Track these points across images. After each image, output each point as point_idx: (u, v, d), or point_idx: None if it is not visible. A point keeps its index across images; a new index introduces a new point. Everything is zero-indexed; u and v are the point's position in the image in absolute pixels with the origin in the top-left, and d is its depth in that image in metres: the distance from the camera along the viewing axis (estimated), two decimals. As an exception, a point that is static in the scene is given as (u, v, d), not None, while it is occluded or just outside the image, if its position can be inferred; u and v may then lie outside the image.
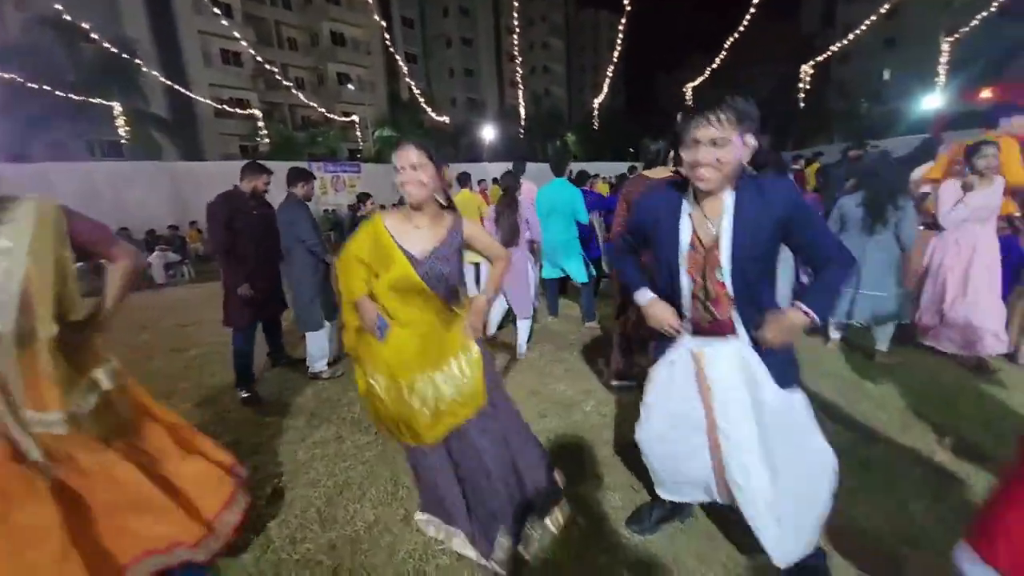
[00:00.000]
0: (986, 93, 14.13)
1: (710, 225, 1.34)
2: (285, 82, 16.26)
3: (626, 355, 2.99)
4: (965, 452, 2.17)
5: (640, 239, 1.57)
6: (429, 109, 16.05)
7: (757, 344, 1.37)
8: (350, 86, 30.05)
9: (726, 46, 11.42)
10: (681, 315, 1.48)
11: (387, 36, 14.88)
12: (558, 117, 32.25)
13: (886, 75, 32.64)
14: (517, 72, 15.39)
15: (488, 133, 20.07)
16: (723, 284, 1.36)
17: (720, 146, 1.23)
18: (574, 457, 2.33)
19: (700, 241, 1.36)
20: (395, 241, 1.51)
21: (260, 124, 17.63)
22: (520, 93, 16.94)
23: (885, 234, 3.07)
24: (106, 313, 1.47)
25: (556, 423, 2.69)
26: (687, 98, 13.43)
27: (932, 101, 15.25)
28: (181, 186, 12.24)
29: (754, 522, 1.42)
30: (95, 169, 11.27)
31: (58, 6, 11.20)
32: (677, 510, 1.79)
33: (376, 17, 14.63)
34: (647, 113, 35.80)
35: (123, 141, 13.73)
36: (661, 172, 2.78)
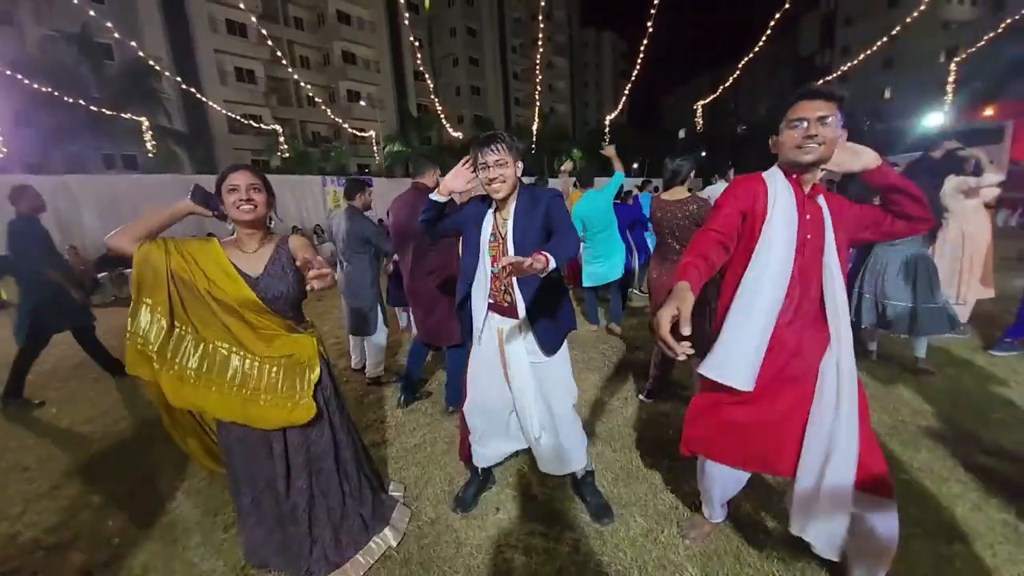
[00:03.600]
0: (988, 111, 14.49)
1: (506, 222, 1.80)
2: (317, 99, 16.54)
3: (662, 375, 3.01)
4: (1001, 455, 2.23)
5: (454, 228, 1.95)
6: (448, 125, 16.39)
7: (532, 320, 1.83)
8: (361, 103, 30.65)
9: (739, 66, 11.75)
10: (484, 295, 1.86)
11: (417, 56, 15.17)
12: (563, 134, 32.75)
13: (887, 94, 33.20)
14: (537, 90, 15.76)
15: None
16: None
17: (503, 166, 1.69)
18: (608, 465, 2.41)
19: (500, 233, 1.81)
20: (232, 264, 1.60)
21: (281, 139, 17.97)
22: (536, 110, 17.30)
23: (916, 246, 3.14)
24: None
25: (600, 427, 2.76)
26: (697, 116, 13.89)
27: (934, 119, 15.54)
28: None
29: (541, 452, 1.97)
30: (117, 182, 11.48)
31: (96, 17, 11.51)
32: (486, 479, 2.22)
33: (386, 38, 14.98)
34: (651, 130, 36.32)
35: (150, 155, 14.03)
36: (678, 193, 2.86)
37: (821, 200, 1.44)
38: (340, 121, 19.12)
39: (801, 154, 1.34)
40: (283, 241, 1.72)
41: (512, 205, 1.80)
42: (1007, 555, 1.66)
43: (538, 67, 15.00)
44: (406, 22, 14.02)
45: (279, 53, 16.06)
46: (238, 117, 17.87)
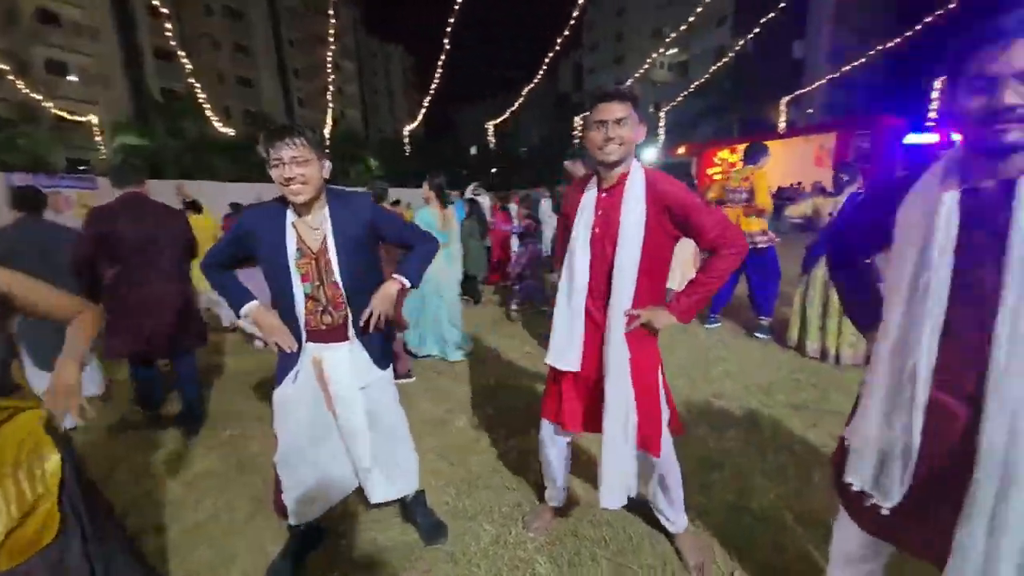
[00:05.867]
0: (681, 150, 20.31)
1: (315, 233, 1.53)
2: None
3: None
4: (727, 396, 3.05)
5: (241, 253, 1.62)
6: (215, 118, 13.57)
7: (362, 337, 1.62)
8: (72, 78, 23.07)
9: (522, 93, 13.36)
10: (296, 323, 1.56)
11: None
12: (357, 139, 31.28)
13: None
14: (328, 90, 14.46)
15: (279, 151, 18.10)
16: (337, 284, 1.55)
17: (304, 164, 1.41)
18: (448, 480, 2.38)
19: (309, 248, 1.52)
20: None
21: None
22: (329, 112, 15.93)
23: None
24: None
25: (432, 442, 2.68)
26: (489, 135, 15.27)
27: (649, 155, 20.85)
28: None
29: (373, 483, 1.77)
30: None
31: None
32: (313, 537, 1.85)
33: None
34: (447, 143, 37.91)
35: None
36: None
37: (632, 188, 1.45)
38: (38, 98, 13.95)
39: (603, 155, 1.43)
40: None
41: (323, 213, 1.54)
42: (758, 484, 2.18)
43: (329, 64, 13.90)
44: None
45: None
46: None
